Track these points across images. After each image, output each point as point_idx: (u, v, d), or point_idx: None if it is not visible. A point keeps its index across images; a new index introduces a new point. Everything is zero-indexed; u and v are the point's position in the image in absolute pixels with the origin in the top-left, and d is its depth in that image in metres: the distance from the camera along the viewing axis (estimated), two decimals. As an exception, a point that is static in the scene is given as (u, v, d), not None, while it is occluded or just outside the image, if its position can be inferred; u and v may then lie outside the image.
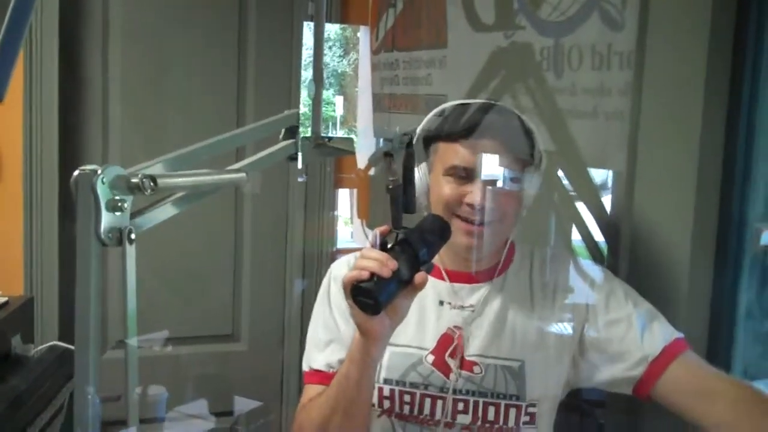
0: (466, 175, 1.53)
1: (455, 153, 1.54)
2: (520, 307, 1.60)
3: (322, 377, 1.59)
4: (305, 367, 1.65)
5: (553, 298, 1.61)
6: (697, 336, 1.63)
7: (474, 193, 1.52)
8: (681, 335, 1.53)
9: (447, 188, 1.55)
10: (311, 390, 1.60)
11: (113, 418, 0.89)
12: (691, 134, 1.59)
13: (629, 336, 1.54)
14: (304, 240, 3.03)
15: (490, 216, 1.53)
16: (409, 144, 1.44)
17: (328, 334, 1.63)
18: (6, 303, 1.98)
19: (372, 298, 1.30)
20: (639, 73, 1.69)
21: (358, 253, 1.44)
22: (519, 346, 1.58)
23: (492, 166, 1.53)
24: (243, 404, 2.69)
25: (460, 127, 1.55)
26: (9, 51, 0.74)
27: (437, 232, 1.44)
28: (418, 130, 1.62)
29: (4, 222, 2.63)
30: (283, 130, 1.26)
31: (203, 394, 2.68)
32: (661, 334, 1.53)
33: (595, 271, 1.67)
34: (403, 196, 1.42)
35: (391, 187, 1.41)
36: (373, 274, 1.30)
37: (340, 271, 1.66)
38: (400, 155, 1.43)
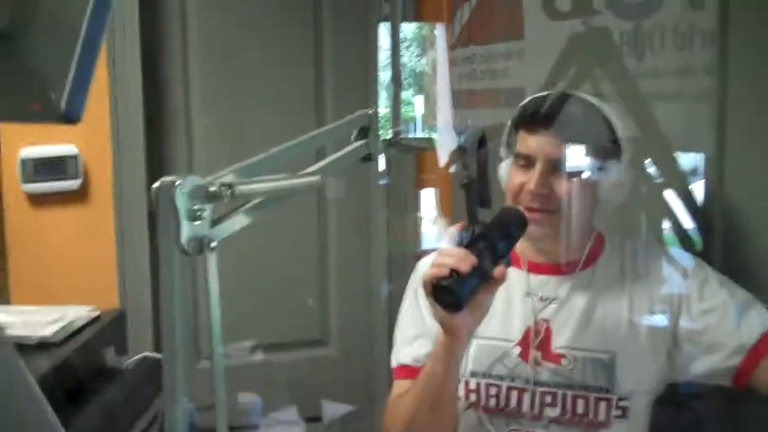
0: (527, 162, 1.53)
1: (521, 141, 1.56)
2: (610, 299, 1.57)
3: (410, 371, 1.60)
4: (393, 363, 1.67)
5: (646, 289, 1.57)
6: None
7: (531, 181, 1.52)
8: None
9: (511, 176, 1.56)
10: (400, 385, 1.62)
11: (212, 426, 0.89)
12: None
13: (725, 324, 1.49)
14: (388, 242, 3.02)
15: (554, 204, 1.52)
16: (482, 138, 1.44)
17: (415, 329, 1.64)
18: (98, 317, 2.02)
19: (452, 295, 1.29)
20: (724, 52, 1.63)
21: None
22: (609, 339, 1.55)
23: (550, 152, 1.51)
24: (334, 409, 2.71)
25: (523, 115, 1.57)
26: (84, 69, 0.74)
27: (514, 223, 1.43)
28: (509, 123, 1.62)
29: (96, 237, 2.70)
30: (354, 132, 1.25)
31: (294, 400, 2.70)
32: (759, 321, 1.48)
33: (687, 260, 1.62)
34: (477, 190, 1.41)
35: (465, 182, 1.41)
36: (452, 271, 1.28)
37: (426, 268, 1.66)
38: (474, 150, 1.42)
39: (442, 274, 1.29)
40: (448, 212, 3.01)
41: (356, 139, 1.26)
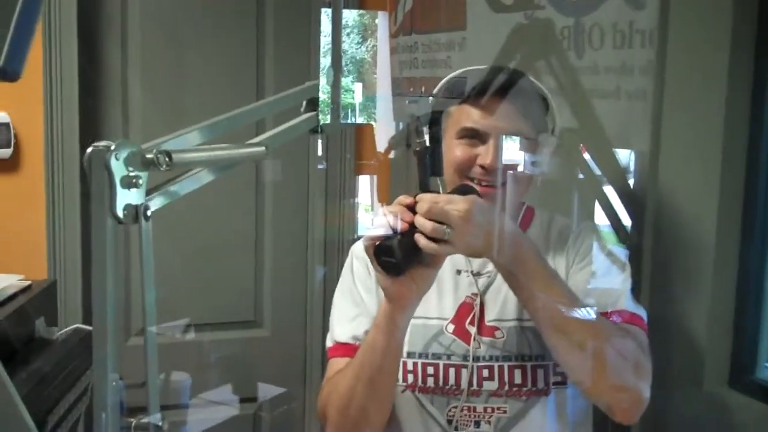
0: (478, 136, 1.52)
1: (467, 115, 1.54)
2: None
3: (347, 350, 1.58)
4: (329, 343, 1.64)
5: (566, 258, 1.60)
6: (723, 313, 1.61)
7: (486, 155, 1.51)
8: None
9: (458, 150, 1.54)
10: (336, 363, 1.60)
11: (140, 404, 0.88)
12: (715, 112, 1.57)
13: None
14: (325, 227, 3.02)
15: (504, 177, 1.52)
16: (434, 111, 1.45)
17: (353, 308, 1.63)
18: (29, 287, 1.99)
19: (393, 255, 1.30)
20: (662, 52, 1.67)
21: None
22: None
23: (504, 128, 1.51)
24: (266, 390, 2.70)
25: (472, 89, 1.54)
26: (24, 26, 0.72)
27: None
28: (432, 99, 1.62)
29: (26, 207, 2.64)
30: (304, 103, 1.24)
31: (227, 380, 2.69)
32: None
33: (614, 250, 1.65)
34: (429, 157, 1.41)
35: (417, 149, 1.41)
36: (394, 232, 1.29)
37: (362, 250, 1.65)
38: (427, 117, 1.42)
39: (382, 233, 1.30)
40: (385, 199, 3.02)
41: (305, 111, 1.24)
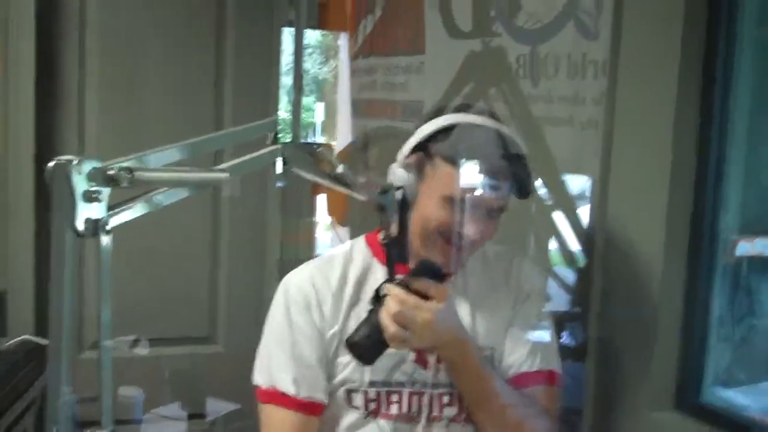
0: (470, 207, 1.52)
1: (453, 181, 1.52)
2: (482, 301, 1.62)
3: (288, 402, 1.57)
4: (265, 383, 1.61)
5: (506, 290, 1.65)
6: (669, 343, 1.65)
7: (472, 225, 1.52)
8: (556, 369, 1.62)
9: (443, 213, 1.52)
10: (276, 413, 1.58)
11: (91, 418, 0.89)
12: (663, 143, 1.60)
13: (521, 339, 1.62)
14: (281, 245, 3.03)
15: (477, 240, 1.55)
16: (404, 198, 1.46)
17: (292, 360, 1.59)
18: (-24, 297, 1.97)
19: (361, 350, 1.44)
20: (613, 82, 1.70)
21: (311, 265, 1.62)
22: (489, 336, 1.60)
23: (498, 205, 1.54)
24: (219, 407, 2.69)
25: (480, 165, 1.52)
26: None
27: (433, 278, 1.47)
28: (415, 140, 1.58)
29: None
30: (271, 135, 1.26)
31: (179, 396, 2.67)
32: (544, 357, 1.61)
33: (534, 273, 1.70)
34: (397, 248, 1.47)
35: (386, 242, 1.47)
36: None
37: (294, 285, 1.64)
38: (394, 210, 1.45)
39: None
40: (341, 218, 3.03)
41: (272, 143, 1.26)
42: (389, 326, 1.39)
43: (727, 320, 1.65)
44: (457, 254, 1.56)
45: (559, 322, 1.82)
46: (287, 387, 1.57)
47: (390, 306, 1.41)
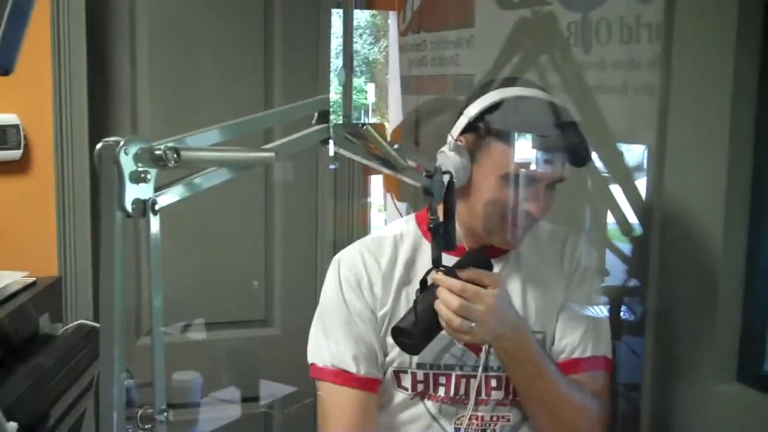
0: (528, 183, 1.50)
1: (519, 160, 1.50)
2: (535, 281, 1.60)
3: (346, 379, 1.58)
4: (322, 361, 1.61)
5: (560, 269, 1.64)
6: (730, 315, 1.61)
7: (534, 201, 1.50)
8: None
9: (504, 193, 1.51)
10: (337, 393, 1.58)
11: (152, 402, 0.89)
12: (721, 106, 1.56)
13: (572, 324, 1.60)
14: (334, 227, 3.03)
15: (540, 215, 1.54)
16: (450, 182, 1.42)
17: (349, 336, 1.60)
18: (33, 283, 2.00)
19: (411, 338, 1.42)
20: (668, 46, 1.66)
21: (362, 245, 1.60)
22: (540, 318, 1.58)
23: (558, 176, 1.52)
24: (276, 389, 2.71)
25: (533, 139, 1.51)
26: (16, 22, 0.74)
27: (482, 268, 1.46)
28: (463, 121, 1.55)
29: (36, 207, 2.65)
30: (316, 115, 1.25)
31: (237, 379, 2.70)
32: (596, 342, 1.60)
33: (588, 253, 1.68)
34: (443, 234, 1.42)
35: (432, 225, 1.42)
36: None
37: (346, 262, 1.64)
38: (441, 193, 1.41)
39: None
40: (393, 186, 3.01)
41: (317, 123, 1.25)
42: (453, 319, 1.36)
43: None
44: (523, 233, 1.54)
45: (617, 296, 1.79)
46: (347, 364, 1.57)
47: (446, 297, 1.37)
